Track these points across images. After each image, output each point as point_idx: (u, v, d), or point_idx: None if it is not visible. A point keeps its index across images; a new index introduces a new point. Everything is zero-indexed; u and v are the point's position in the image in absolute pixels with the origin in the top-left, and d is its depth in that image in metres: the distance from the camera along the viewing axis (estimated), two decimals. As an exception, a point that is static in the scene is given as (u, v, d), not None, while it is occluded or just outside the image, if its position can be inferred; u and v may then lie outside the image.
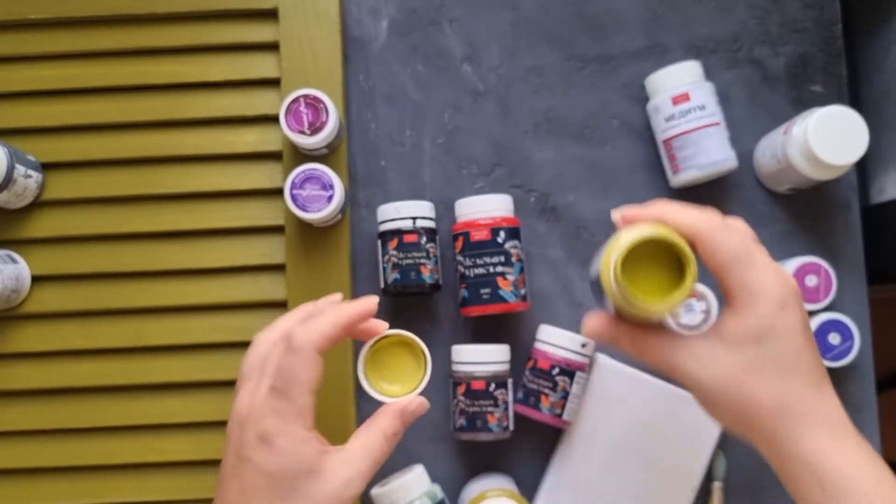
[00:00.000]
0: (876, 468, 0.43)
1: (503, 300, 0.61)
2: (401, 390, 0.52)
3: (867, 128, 0.59)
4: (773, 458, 0.45)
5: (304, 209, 0.61)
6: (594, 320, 0.48)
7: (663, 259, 0.45)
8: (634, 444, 0.63)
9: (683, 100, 0.63)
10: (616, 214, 0.47)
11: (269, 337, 0.48)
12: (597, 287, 0.47)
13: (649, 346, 0.47)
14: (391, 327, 0.62)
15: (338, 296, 0.53)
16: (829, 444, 0.43)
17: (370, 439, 0.48)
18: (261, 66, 0.67)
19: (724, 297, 0.46)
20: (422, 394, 0.52)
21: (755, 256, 0.45)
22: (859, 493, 0.42)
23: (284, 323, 0.49)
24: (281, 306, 0.66)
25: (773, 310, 0.44)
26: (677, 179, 0.65)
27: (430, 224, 0.64)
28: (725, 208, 0.67)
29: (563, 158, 0.68)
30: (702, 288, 0.62)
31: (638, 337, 0.47)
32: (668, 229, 0.44)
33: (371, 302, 0.50)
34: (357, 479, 0.46)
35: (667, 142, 0.65)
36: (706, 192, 0.67)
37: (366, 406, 0.63)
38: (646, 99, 0.67)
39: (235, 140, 0.67)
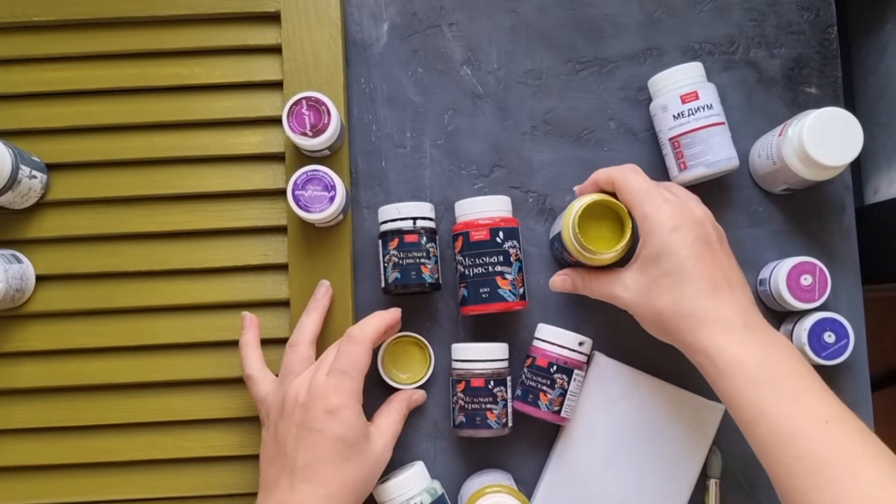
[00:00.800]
0: (764, 351, 0.52)
1: (502, 299, 0.62)
2: (410, 379, 0.67)
3: (862, 129, 0.59)
4: (686, 353, 0.56)
5: (306, 210, 0.61)
6: (557, 277, 0.63)
7: (609, 219, 0.61)
8: (631, 441, 0.64)
9: (693, 98, 0.64)
10: (575, 189, 0.64)
11: (302, 341, 0.61)
12: (558, 244, 0.63)
13: (595, 282, 0.61)
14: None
15: (324, 284, 0.65)
16: (720, 336, 0.53)
17: (392, 417, 0.61)
18: (263, 68, 0.68)
19: (639, 230, 0.58)
20: (424, 386, 0.67)
21: (652, 193, 0.57)
22: (743, 367, 0.52)
23: (306, 331, 0.62)
24: (283, 305, 0.67)
25: (664, 234, 0.55)
26: (683, 177, 0.65)
27: (431, 224, 0.65)
28: (722, 208, 0.68)
29: (561, 160, 0.69)
30: None
31: (587, 278, 0.62)
32: (611, 196, 0.60)
33: (398, 312, 0.63)
34: (390, 445, 0.60)
35: (674, 139, 0.65)
36: (703, 192, 0.68)
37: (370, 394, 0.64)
38: (643, 101, 0.68)
39: (238, 142, 0.67)
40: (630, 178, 0.58)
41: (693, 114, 0.64)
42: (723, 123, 0.64)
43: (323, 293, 0.64)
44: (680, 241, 0.55)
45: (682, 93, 0.64)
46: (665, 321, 0.56)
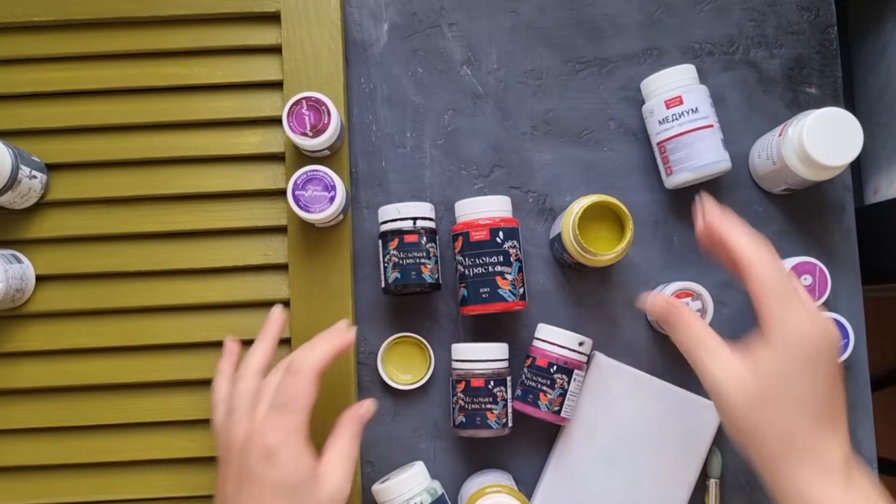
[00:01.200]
0: None
1: (502, 299, 0.62)
2: (410, 379, 0.66)
3: (862, 129, 0.59)
4: (769, 482, 0.49)
5: (306, 210, 0.61)
6: (659, 299, 0.55)
7: (610, 220, 0.61)
8: (631, 442, 0.64)
9: (676, 103, 0.64)
10: (699, 220, 0.54)
11: (247, 373, 0.56)
12: (558, 245, 0.63)
13: (693, 334, 0.52)
14: (393, 326, 0.66)
15: (275, 310, 0.61)
16: (821, 484, 0.47)
17: (343, 444, 0.54)
18: (263, 68, 0.68)
19: (760, 323, 0.49)
20: (424, 386, 0.67)
21: (796, 296, 0.49)
22: None
23: (253, 361, 0.57)
24: (284, 305, 0.66)
25: (804, 353, 0.48)
26: (671, 181, 0.66)
27: (431, 224, 0.65)
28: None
29: (561, 160, 0.69)
30: (698, 288, 0.63)
31: (686, 322, 0.53)
32: (612, 197, 0.60)
33: (350, 336, 0.56)
34: (347, 479, 0.53)
35: (660, 144, 0.66)
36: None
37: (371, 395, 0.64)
38: (643, 101, 0.68)
39: (238, 142, 0.67)
40: (766, 265, 0.49)
41: (677, 118, 0.64)
42: (710, 126, 0.64)
43: (273, 320, 0.59)
44: (822, 370, 0.48)
45: (666, 98, 0.64)
46: (762, 444, 0.49)
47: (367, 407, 0.57)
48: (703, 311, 0.63)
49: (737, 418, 0.50)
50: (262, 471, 0.49)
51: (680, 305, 0.54)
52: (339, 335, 0.55)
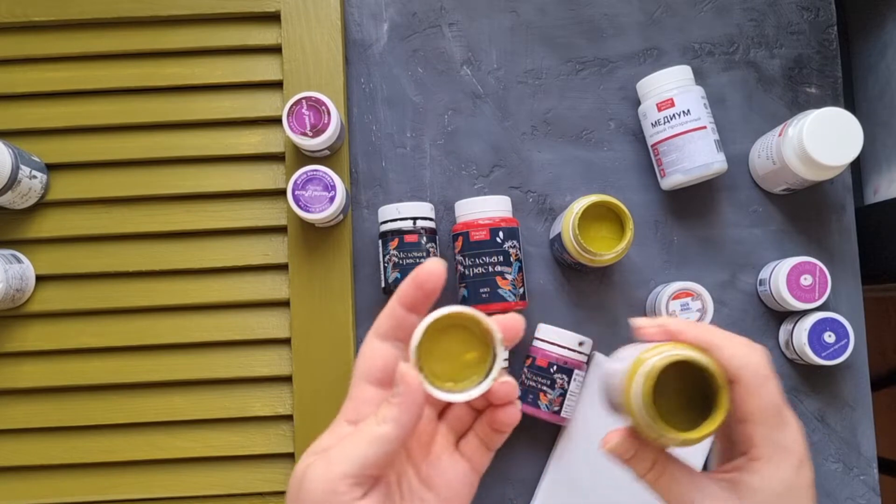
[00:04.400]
0: None
1: (502, 299, 0.62)
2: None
3: (862, 129, 0.59)
4: None
5: (306, 210, 0.61)
6: (614, 436, 0.44)
7: (610, 220, 0.61)
8: (632, 442, 0.64)
9: (668, 105, 0.64)
10: (651, 327, 0.43)
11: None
12: (558, 245, 0.63)
13: (667, 474, 0.44)
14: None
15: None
16: None
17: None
18: (263, 68, 0.68)
19: (744, 444, 0.43)
20: None
21: (787, 415, 0.43)
22: None
23: None
24: (284, 305, 0.67)
25: (794, 470, 0.42)
26: (664, 183, 0.66)
27: (431, 224, 0.65)
28: (722, 208, 0.68)
29: (561, 160, 0.69)
30: (699, 289, 0.63)
31: (658, 463, 0.44)
32: (612, 197, 0.60)
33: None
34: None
35: (654, 146, 0.66)
36: (702, 194, 0.68)
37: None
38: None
39: (238, 142, 0.67)
40: (764, 391, 0.42)
41: (668, 121, 0.64)
42: (703, 128, 0.64)
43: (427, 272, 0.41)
44: (806, 480, 0.43)
45: (658, 100, 0.64)
46: None
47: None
48: (703, 311, 0.63)
49: None
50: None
51: (640, 440, 0.44)
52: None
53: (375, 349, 0.41)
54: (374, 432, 0.38)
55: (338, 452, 0.38)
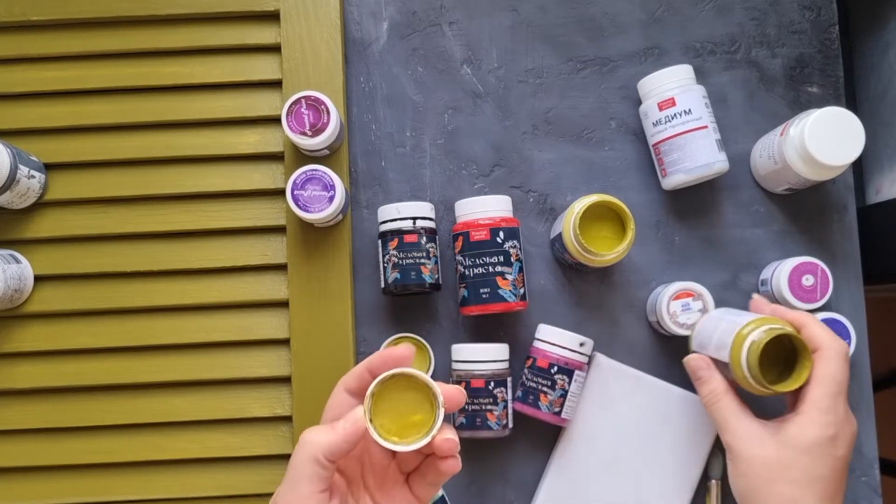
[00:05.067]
0: None
1: (502, 299, 0.62)
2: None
3: (864, 129, 0.59)
4: None
5: (305, 209, 0.61)
6: (697, 357, 0.59)
7: (611, 220, 0.61)
8: (633, 442, 0.64)
9: (669, 105, 0.64)
10: (762, 305, 0.59)
11: None
12: (559, 245, 0.63)
13: (723, 401, 0.57)
14: (393, 327, 0.66)
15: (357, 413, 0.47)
16: None
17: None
18: (262, 67, 0.68)
19: (801, 402, 0.54)
20: None
21: (843, 392, 0.54)
22: None
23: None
24: (283, 306, 0.66)
25: (827, 438, 0.53)
26: (665, 183, 0.66)
27: (430, 224, 0.64)
28: (723, 208, 0.68)
29: (562, 159, 0.69)
30: (700, 288, 0.63)
31: (718, 390, 0.57)
32: (613, 197, 0.59)
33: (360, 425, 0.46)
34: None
35: (655, 146, 0.66)
36: (704, 193, 0.68)
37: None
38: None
39: (237, 141, 0.67)
40: (840, 361, 0.54)
41: (669, 121, 0.64)
42: (704, 128, 0.64)
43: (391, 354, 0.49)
44: (832, 451, 0.53)
45: (659, 100, 0.64)
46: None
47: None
48: (703, 311, 0.62)
49: (749, 478, 0.54)
50: None
51: (713, 369, 0.58)
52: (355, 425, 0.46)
53: (342, 401, 0.48)
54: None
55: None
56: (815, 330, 0.55)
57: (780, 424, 0.55)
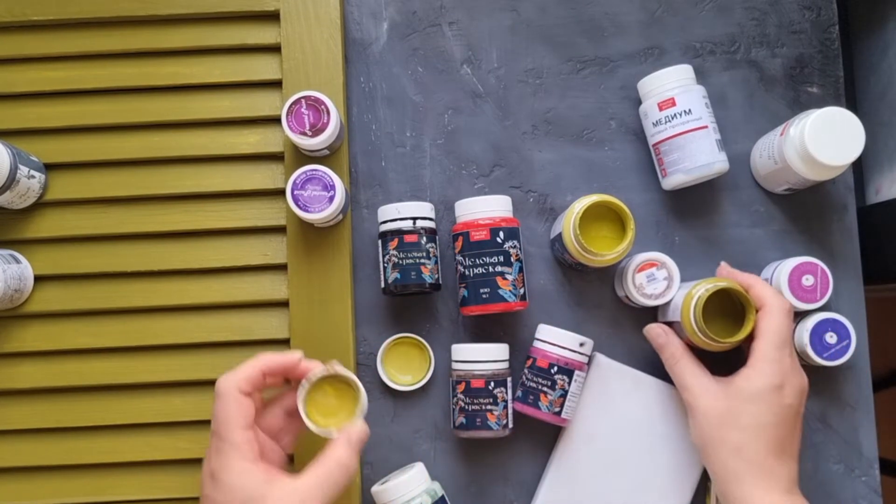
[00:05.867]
0: None
1: (502, 299, 0.62)
2: (410, 381, 0.66)
3: (864, 129, 0.59)
4: (720, 490, 0.58)
5: (305, 210, 0.61)
6: (655, 326, 0.63)
7: (611, 220, 0.61)
8: (632, 442, 0.64)
9: (669, 105, 0.64)
10: (723, 270, 0.63)
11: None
12: (559, 245, 0.63)
13: (682, 363, 0.61)
14: (393, 327, 0.65)
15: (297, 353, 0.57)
16: (764, 494, 0.55)
17: (324, 469, 0.52)
18: (262, 67, 0.68)
19: (749, 359, 0.58)
20: (424, 387, 0.66)
21: (786, 345, 0.58)
22: None
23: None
24: (283, 306, 0.66)
25: (772, 386, 0.57)
26: (666, 183, 0.66)
27: (431, 224, 0.64)
28: (723, 208, 0.68)
29: (562, 159, 0.69)
30: (663, 257, 0.63)
31: (677, 353, 0.61)
32: (613, 197, 0.60)
33: (293, 357, 0.56)
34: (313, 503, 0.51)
35: (655, 146, 0.66)
36: (704, 193, 0.68)
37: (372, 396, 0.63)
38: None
39: (237, 141, 0.67)
40: (783, 316, 0.58)
41: (669, 121, 0.64)
42: (704, 128, 0.64)
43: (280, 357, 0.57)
44: (778, 399, 0.57)
45: (659, 100, 0.64)
46: (717, 451, 0.58)
47: (357, 430, 0.54)
48: (669, 280, 0.62)
49: (703, 429, 0.58)
50: (208, 491, 0.52)
51: (671, 334, 0.62)
52: (271, 354, 0.55)
53: (247, 404, 0.53)
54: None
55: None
56: (760, 289, 0.59)
57: (731, 378, 0.59)
